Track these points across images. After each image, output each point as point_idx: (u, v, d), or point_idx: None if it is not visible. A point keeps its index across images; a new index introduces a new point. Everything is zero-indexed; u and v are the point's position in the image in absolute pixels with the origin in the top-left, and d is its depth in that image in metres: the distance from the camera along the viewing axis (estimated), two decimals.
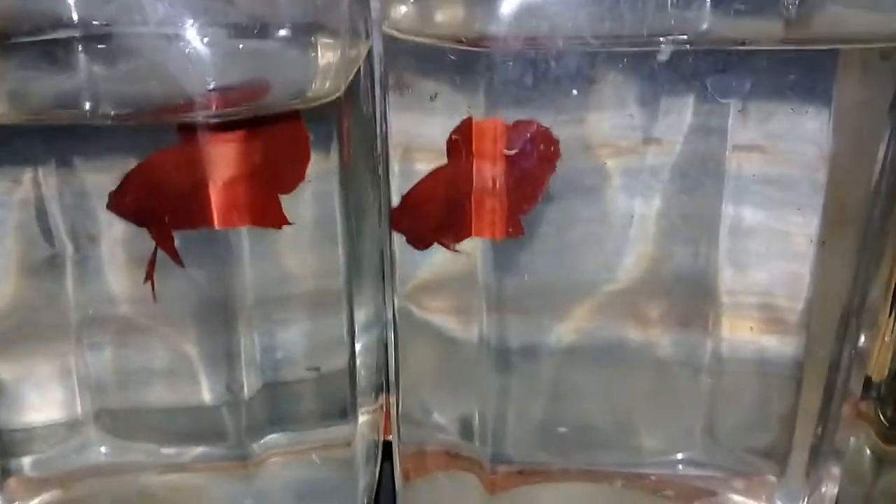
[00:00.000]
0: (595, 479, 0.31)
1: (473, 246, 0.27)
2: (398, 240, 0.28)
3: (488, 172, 0.25)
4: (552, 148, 0.24)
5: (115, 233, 0.28)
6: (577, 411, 0.31)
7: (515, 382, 0.30)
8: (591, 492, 0.32)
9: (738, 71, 0.24)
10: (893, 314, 0.32)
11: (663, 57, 0.23)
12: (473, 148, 0.24)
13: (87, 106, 0.25)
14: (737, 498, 0.31)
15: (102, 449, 0.31)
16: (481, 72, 0.24)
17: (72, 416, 0.31)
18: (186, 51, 0.24)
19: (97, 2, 0.24)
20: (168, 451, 0.32)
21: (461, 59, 0.24)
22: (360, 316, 0.34)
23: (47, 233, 0.28)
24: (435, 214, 0.27)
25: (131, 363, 0.31)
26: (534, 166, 0.24)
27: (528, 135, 0.24)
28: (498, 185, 0.25)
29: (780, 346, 0.29)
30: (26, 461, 0.31)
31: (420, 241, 0.27)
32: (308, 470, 0.33)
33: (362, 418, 0.35)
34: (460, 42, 0.23)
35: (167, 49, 0.25)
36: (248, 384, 0.30)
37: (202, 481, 0.32)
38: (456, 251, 0.27)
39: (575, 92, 0.23)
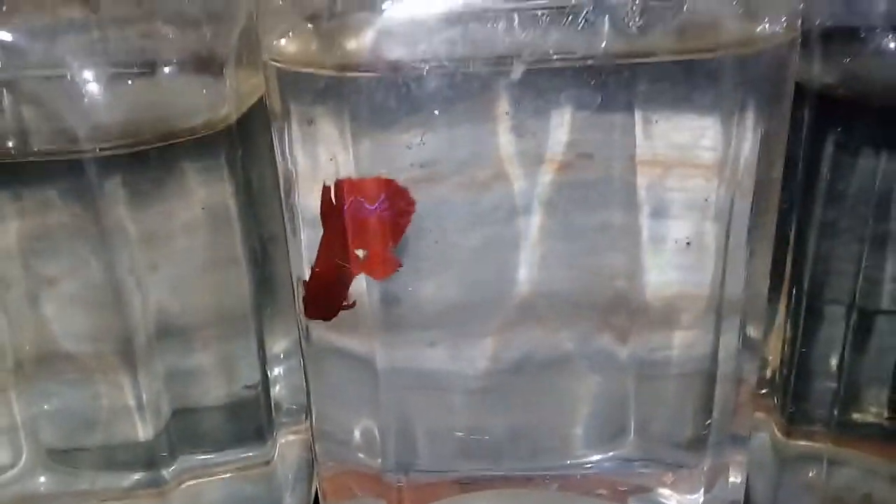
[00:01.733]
0: (529, 484, 0.32)
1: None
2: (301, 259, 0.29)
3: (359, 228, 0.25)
4: (406, 202, 0.25)
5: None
6: (502, 421, 0.31)
7: (426, 398, 0.30)
8: (527, 497, 0.32)
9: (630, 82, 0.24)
10: (787, 310, 0.33)
11: (515, 76, 0.24)
12: (345, 211, 0.25)
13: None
14: (665, 492, 0.32)
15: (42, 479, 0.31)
16: (347, 97, 0.24)
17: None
18: (71, 90, 0.25)
19: None
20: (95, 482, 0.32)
21: (332, 86, 0.24)
22: (282, 339, 0.35)
23: None
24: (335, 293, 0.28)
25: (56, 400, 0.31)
26: (392, 216, 0.25)
27: (384, 193, 0.25)
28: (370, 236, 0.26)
29: (691, 343, 0.30)
30: None
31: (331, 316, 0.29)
32: (226, 491, 0.33)
33: (287, 438, 0.35)
34: (328, 69, 0.24)
35: (54, 89, 0.25)
36: (157, 413, 0.30)
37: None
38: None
39: (436, 112, 0.24)
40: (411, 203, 0.26)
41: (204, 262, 0.30)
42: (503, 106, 0.24)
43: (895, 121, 0.27)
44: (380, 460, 0.30)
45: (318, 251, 0.27)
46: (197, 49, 0.27)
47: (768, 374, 0.35)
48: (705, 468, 0.31)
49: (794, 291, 0.32)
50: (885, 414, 0.31)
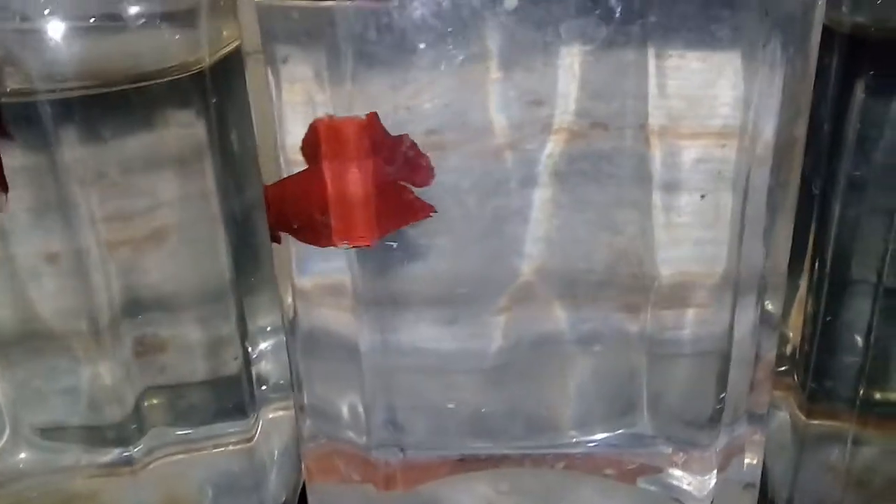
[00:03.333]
0: (534, 462, 0.30)
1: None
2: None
3: (345, 178, 0.23)
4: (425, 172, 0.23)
5: None
6: (502, 397, 0.29)
7: (421, 375, 0.29)
8: (530, 476, 0.30)
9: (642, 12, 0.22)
10: (810, 283, 0.31)
11: (510, 4, 0.21)
12: (323, 153, 0.22)
13: None
14: (677, 472, 0.30)
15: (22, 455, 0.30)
16: (322, 30, 0.22)
17: None
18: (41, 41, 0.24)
19: None
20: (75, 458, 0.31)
21: (306, 19, 0.22)
22: (268, 312, 0.33)
23: None
24: (296, 217, 0.25)
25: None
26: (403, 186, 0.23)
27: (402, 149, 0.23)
28: (359, 192, 0.23)
29: (706, 318, 0.28)
30: None
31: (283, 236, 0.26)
32: (207, 468, 0.31)
33: (273, 415, 0.33)
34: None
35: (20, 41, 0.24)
36: (130, 388, 0.29)
37: (95, 486, 0.30)
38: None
39: (422, 47, 0.22)
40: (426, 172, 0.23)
41: (176, 222, 0.28)
42: (496, 41, 0.22)
43: None
44: (366, 439, 0.29)
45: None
46: None
47: (788, 350, 0.32)
48: (719, 448, 0.29)
49: (817, 263, 0.30)
50: None
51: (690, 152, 0.24)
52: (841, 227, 0.28)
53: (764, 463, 0.32)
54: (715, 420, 0.29)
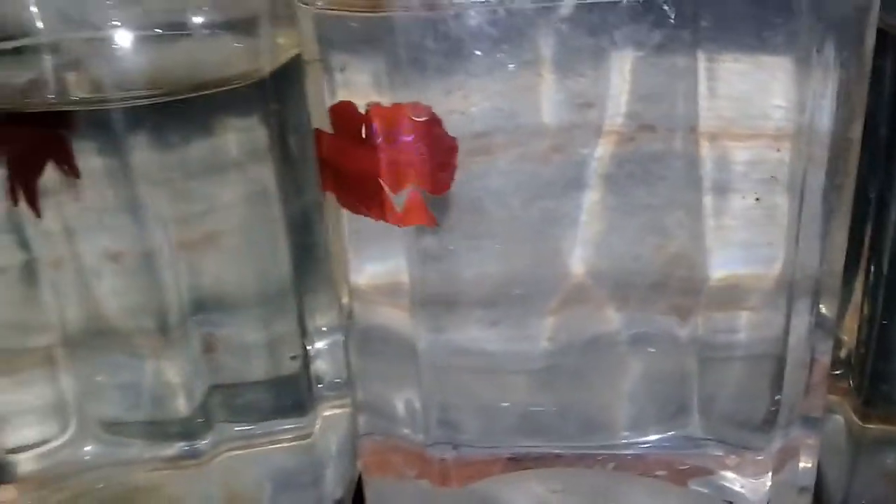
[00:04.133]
0: (586, 463, 0.30)
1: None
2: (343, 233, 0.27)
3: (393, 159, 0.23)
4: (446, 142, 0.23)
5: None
6: (556, 398, 0.30)
7: (476, 375, 0.29)
8: (582, 476, 0.30)
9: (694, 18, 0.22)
10: (865, 285, 0.30)
11: (566, 11, 0.21)
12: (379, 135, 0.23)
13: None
14: (729, 475, 0.30)
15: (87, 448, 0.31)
16: (381, 39, 0.22)
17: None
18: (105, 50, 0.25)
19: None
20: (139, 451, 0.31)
21: (365, 29, 0.23)
22: (326, 311, 0.33)
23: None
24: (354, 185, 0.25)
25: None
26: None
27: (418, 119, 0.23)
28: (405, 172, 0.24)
29: (760, 322, 0.28)
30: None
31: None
32: (266, 463, 0.32)
33: (330, 412, 0.34)
34: (361, 10, 0.22)
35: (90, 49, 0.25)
36: (195, 385, 0.30)
37: (159, 479, 0.31)
38: None
39: (478, 54, 0.22)
40: (453, 146, 0.23)
41: (241, 226, 0.28)
42: (549, 47, 0.22)
43: None
44: (422, 436, 0.29)
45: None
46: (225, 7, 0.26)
47: (843, 354, 0.32)
48: (773, 451, 0.29)
49: (872, 266, 0.29)
50: None
51: (743, 154, 0.24)
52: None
53: (819, 467, 0.32)
54: (769, 423, 0.29)
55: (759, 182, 0.25)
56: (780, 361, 0.27)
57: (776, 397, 0.28)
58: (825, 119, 0.24)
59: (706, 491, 0.30)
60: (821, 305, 0.27)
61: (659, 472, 0.30)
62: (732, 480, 0.30)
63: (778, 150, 0.24)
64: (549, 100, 0.24)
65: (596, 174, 0.25)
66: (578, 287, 0.27)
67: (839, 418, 0.32)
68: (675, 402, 0.29)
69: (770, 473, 0.29)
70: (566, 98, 0.24)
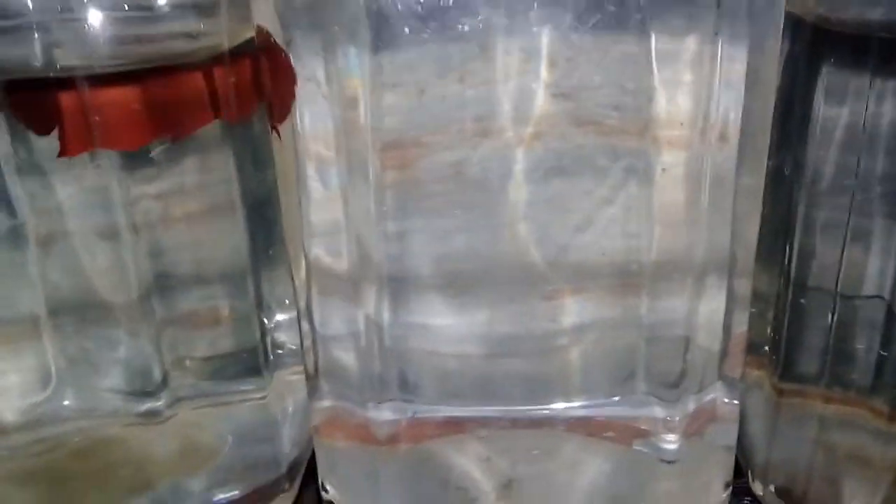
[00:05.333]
0: (536, 425, 0.32)
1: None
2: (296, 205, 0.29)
3: None
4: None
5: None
6: (510, 366, 0.31)
7: (427, 348, 0.30)
8: (531, 437, 0.32)
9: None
10: (782, 270, 0.32)
11: None
12: None
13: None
14: (667, 436, 0.31)
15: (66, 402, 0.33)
16: (320, 11, 0.24)
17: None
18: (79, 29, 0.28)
19: None
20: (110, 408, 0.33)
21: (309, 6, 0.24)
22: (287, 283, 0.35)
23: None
24: None
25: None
26: None
27: None
28: None
29: (680, 295, 0.29)
30: None
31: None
32: (224, 420, 0.34)
33: (288, 378, 0.36)
34: None
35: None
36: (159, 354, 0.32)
37: (132, 433, 0.33)
38: None
39: (407, 31, 0.24)
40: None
41: (199, 203, 0.30)
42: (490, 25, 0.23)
43: (885, 56, 0.26)
44: (370, 398, 0.30)
45: None
46: None
47: (768, 332, 0.34)
48: (691, 412, 0.30)
49: (787, 245, 0.31)
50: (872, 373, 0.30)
51: (648, 140, 0.26)
52: (806, 214, 0.29)
53: (746, 436, 0.34)
54: (693, 386, 0.30)
55: (665, 164, 0.26)
56: (691, 332, 0.29)
57: (699, 365, 0.29)
58: (732, 103, 0.25)
59: (646, 451, 0.31)
60: (735, 281, 0.29)
61: (607, 434, 0.32)
62: (669, 440, 0.31)
63: (684, 133, 0.25)
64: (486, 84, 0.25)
65: (537, 159, 0.26)
66: (527, 269, 0.28)
67: (762, 391, 0.34)
68: (620, 370, 0.31)
69: (692, 433, 0.31)
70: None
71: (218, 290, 0.33)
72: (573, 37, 0.24)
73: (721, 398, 0.31)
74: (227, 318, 0.33)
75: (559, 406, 0.31)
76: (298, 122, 0.27)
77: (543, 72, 0.25)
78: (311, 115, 0.27)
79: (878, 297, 0.29)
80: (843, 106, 0.27)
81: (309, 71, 0.25)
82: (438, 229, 0.28)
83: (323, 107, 0.26)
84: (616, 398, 0.31)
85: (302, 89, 0.26)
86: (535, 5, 0.24)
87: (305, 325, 0.31)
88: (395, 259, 0.28)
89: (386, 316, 0.29)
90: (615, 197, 0.27)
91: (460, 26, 0.24)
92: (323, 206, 0.28)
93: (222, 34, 0.29)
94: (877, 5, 0.25)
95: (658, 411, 0.31)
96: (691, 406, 0.30)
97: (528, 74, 0.25)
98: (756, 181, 0.28)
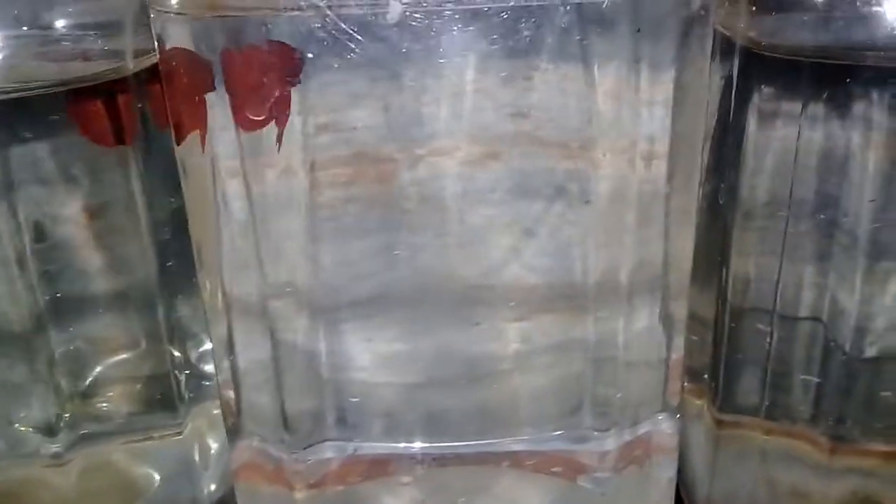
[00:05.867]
0: (478, 461, 0.30)
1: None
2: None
3: None
4: None
5: None
6: (451, 399, 0.30)
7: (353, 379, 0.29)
8: (478, 474, 0.31)
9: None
10: (719, 296, 0.31)
11: (392, 17, 0.22)
12: None
13: None
14: (608, 469, 0.30)
15: None
16: (210, 38, 0.23)
17: None
18: None
19: None
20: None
21: (201, 30, 0.23)
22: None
23: None
24: None
25: None
26: None
27: None
28: None
29: (614, 320, 0.28)
30: None
31: None
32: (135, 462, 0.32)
33: (213, 412, 0.34)
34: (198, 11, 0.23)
35: None
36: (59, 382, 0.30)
37: (42, 475, 0.31)
38: None
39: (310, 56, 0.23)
40: None
41: (104, 226, 0.29)
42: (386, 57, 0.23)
43: (817, 81, 0.25)
44: (291, 438, 0.29)
45: None
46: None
47: (709, 360, 0.32)
48: (631, 443, 0.29)
49: (723, 271, 0.30)
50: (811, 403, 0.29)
51: (574, 162, 0.25)
52: (741, 238, 0.28)
53: (688, 466, 0.33)
54: (634, 417, 0.29)
55: (593, 187, 0.25)
56: (625, 357, 0.28)
57: (618, 395, 0.28)
58: (657, 126, 0.24)
59: (590, 486, 0.31)
60: (670, 304, 0.28)
61: (554, 469, 0.31)
62: (608, 473, 0.30)
63: (605, 156, 0.24)
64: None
65: (471, 181, 0.25)
66: (462, 293, 0.27)
67: (703, 422, 0.33)
68: (566, 400, 0.30)
69: (633, 465, 0.30)
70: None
71: (124, 319, 0.31)
72: (491, 62, 0.23)
73: (660, 428, 0.30)
74: (134, 348, 0.31)
75: (502, 440, 0.30)
76: (211, 145, 0.26)
77: (469, 93, 0.24)
78: (226, 139, 0.25)
79: (815, 318, 0.28)
80: (775, 130, 0.26)
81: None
82: (367, 253, 0.27)
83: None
84: (560, 431, 0.30)
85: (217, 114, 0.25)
86: (461, 28, 0.23)
87: (221, 357, 0.30)
88: (320, 285, 0.27)
89: (314, 346, 0.28)
90: (549, 219, 0.26)
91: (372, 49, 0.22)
92: (242, 231, 0.27)
93: (127, 57, 0.27)
94: (806, 29, 0.25)
95: (596, 444, 0.30)
96: (628, 437, 0.29)
97: (459, 96, 0.24)
98: (686, 202, 0.27)
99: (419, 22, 0.22)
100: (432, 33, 0.22)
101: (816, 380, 0.28)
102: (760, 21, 0.26)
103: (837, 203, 0.25)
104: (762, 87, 0.26)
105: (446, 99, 0.24)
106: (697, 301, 0.31)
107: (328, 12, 0.22)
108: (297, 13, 0.22)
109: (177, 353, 0.32)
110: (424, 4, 0.21)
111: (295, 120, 0.24)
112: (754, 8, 0.25)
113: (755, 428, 0.30)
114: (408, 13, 0.22)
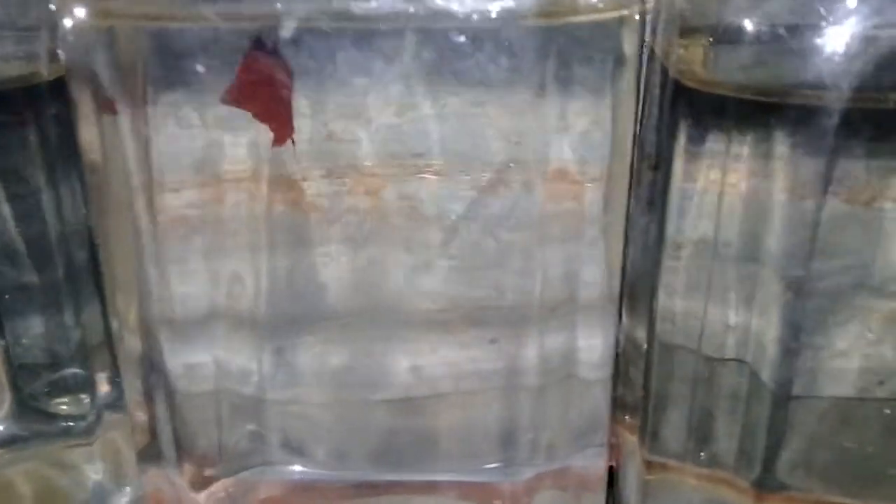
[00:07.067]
0: (430, 490, 0.30)
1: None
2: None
3: None
4: None
5: None
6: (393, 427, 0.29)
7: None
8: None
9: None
10: (652, 326, 0.30)
11: (286, 33, 0.21)
12: None
13: None
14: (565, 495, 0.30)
15: None
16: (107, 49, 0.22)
17: None
18: None
19: None
20: None
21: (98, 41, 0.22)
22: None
23: None
24: None
25: None
26: None
27: None
28: None
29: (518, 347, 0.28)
30: None
31: None
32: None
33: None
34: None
35: None
36: None
37: None
38: None
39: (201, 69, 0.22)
40: None
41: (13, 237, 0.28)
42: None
43: (743, 118, 0.24)
44: (206, 469, 0.28)
45: None
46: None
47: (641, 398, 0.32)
48: (569, 474, 0.29)
49: (653, 311, 0.29)
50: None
51: (500, 188, 0.24)
52: (667, 275, 0.27)
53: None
54: (561, 446, 0.29)
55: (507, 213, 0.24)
56: (536, 388, 0.27)
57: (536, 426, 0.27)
58: (569, 152, 0.24)
59: None
60: (587, 330, 0.27)
61: (496, 501, 0.30)
62: None
63: (526, 182, 0.24)
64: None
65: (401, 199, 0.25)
66: (414, 318, 0.27)
67: (635, 462, 0.32)
68: (500, 432, 0.29)
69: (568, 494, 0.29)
70: None
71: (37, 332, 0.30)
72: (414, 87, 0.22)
73: (584, 463, 0.29)
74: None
75: (438, 471, 0.30)
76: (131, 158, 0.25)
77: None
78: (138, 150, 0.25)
79: (740, 360, 0.27)
80: (701, 165, 0.25)
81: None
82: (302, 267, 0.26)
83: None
84: (497, 462, 0.30)
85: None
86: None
87: (130, 377, 0.29)
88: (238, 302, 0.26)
89: (238, 365, 0.27)
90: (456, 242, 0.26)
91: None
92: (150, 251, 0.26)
93: (40, 63, 0.27)
94: (735, 65, 0.24)
95: (516, 475, 0.29)
96: (546, 468, 0.29)
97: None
98: (611, 230, 0.26)
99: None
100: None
101: (742, 423, 0.27)
102: (692, 53, 0.25)
103: (760, 244, 0.25)
104: (689, 121, 0.25)
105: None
106: (630, 333, 0.30)
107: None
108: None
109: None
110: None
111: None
112: (685, 40, 0.25)
113: (684, 473, 0.29)
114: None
